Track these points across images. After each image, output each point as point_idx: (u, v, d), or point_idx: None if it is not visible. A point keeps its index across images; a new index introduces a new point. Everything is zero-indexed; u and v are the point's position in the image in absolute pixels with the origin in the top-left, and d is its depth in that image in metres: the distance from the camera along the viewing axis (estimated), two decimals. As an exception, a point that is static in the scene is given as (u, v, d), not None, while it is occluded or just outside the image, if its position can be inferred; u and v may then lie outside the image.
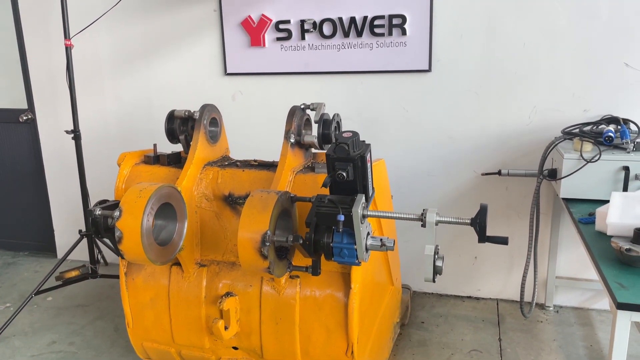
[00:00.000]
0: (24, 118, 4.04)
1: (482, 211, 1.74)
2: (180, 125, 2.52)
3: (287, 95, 3.51)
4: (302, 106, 2.41)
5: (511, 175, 3.17)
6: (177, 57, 3.67)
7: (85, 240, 3.48)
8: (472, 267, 3.50)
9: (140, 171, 2.51)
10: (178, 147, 2.84)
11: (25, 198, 4.34)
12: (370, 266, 2.40)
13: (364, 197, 1.88)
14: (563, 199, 2.68)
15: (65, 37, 3.16)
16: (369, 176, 1.93)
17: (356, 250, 1.91)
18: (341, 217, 1.83)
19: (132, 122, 3.90)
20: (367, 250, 1.94)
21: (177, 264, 2.44)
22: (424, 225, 1.79)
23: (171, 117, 2.51)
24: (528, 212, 3.24)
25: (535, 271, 3.16)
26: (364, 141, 1.94)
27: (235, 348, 2.43)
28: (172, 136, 2.53)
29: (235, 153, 2.82)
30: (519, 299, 3.37)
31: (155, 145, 2.57)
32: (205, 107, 2.47)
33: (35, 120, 4.08)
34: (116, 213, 2.07)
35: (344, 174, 1.83)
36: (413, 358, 2.89)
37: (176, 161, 2.55)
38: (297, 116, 2.36)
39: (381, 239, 1.91)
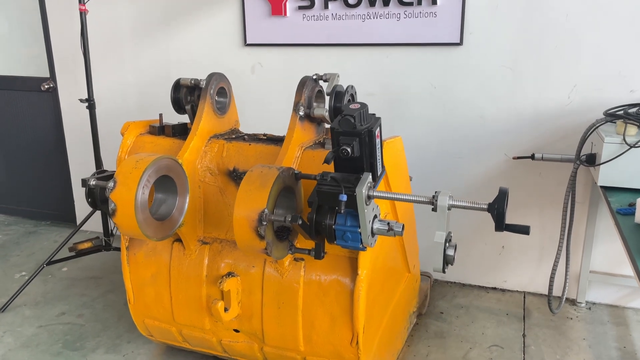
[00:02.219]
0: (46, 87, 4.00)
1: (501, 196, 1.55)
2: (186, 95, 2.38)
3: (308, 68, 3.33)
4: (315, 77, 2.23)
5: (545, 160, 2.93)
6: (197, 27, 3.53)
7: (99, 211, 3.43)
8: (498, 256, 3.29)
9: (144, 142, 2.40)
10: (186, 119, 2.71)
11: (47, 167, 4.32)
12: (382, 251, 2.23)
13: (370, 176, 1.70)
14: (601, 187, 2.44)
15: (80, 2, 3.06)
16: (378, 153, 1.75)
17: (360, 234, 1.74)
18: (343, 197, 1.66)
19: (151, 93, 3.80)
20: (373, 234, 1.77)
21: (180, 240, 2.32)
22: (434, 210, 1.61)
23: (177, 85, 2.37)
24: (563, 201, 2.99)
25: (567, 264, 2.93)
26: (373, 114, 1.76)
27: (236, 331, 2.31)
28: (178, 106, 2.41)
29: (253, 127, 2.69)
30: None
31: (160, 115, 2.45)
32: (212, 76, 2.33)
33: (56, 89, 4.03)
34: (110, 184, 1.96)
35: (349, 149, 1.66)
36: (428, 350, 2.72)
37: (182, 132, 2.42)
38: (308, 87, 2.19)
39: (389, 223, 1.74)
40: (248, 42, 3.41)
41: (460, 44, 3.00)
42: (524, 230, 1.59)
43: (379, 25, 3.10)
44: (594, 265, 3.08)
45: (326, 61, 3.29)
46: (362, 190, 1.65)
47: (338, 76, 2.19)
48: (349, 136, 1.67)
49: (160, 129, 2.41)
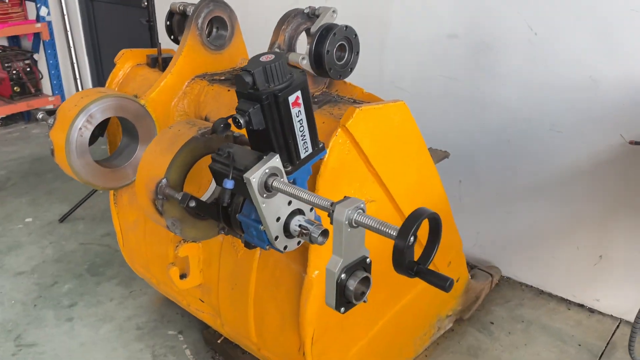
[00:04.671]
0: (145, 4, 3.94)
1: (410, 221, 0.96)
2: (180, 23, 2.04)
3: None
4: (307, 10, 1.71)
5: (676, 152, 2.04)
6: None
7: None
8: (593, 267, 2.49)
9: (137, 74, 2.14)
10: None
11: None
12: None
13: (277, 159, 1.22)
14: None
15: None
16: (299, 127, 1.25)
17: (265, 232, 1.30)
18: (228, 184, 1.22)
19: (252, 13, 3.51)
20: (291, 235, 1.31)
21: (157, 189, 2.07)
22: (332, 223, 1.09)
23: (170, 12, 2.04)
24: (692, 213, 2.09)
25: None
26: (301, 71, 1.24)
27: (202, 300, 2.05)
28: (173, 35, 2.08)
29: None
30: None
31: (159, 45, 2.15)
32: (202, 2, 1.93)
33: (153, 5, 3.96)
34: (50, 121, 1.76)
35: (241, 120, 1.19)
36: (447, 368, 2.19)
37: (176, 67, 2.10)
38: (291, 24, 1.69)
39: (300, 225, 1.26)
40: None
41: (576, -26, 2.15)
42: (438, 283, 1.00)
43: (469, -56, 2.36)
44: None
45: (404, -11, 2.66)
46: (253, 178, 1.18)
47: (333, 11, 1.65)
48: (248, 100, 1.19)
49: (154, 61, 2.13)
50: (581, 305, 2.56)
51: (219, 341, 2.24)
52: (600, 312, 2.51)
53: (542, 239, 2.60)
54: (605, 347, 2.31)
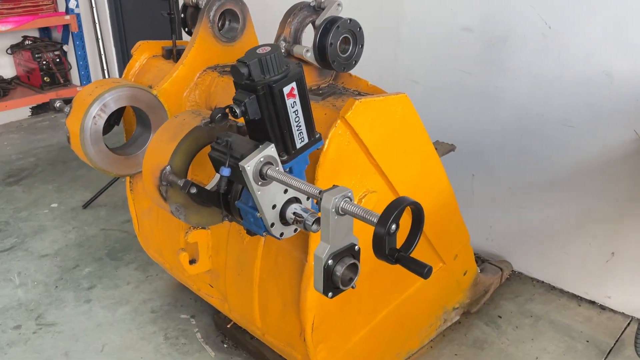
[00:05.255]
0: (168, -5, 4.02)
1: (391, 208, 0.99)
2: (193, 16, 2.10)
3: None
4: (313, 3, 1.75)
5: (690, 149, 2.01)
6: None
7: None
8: (605, 264, 2.47)
9: (152, 65, 2.20)
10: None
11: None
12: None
13: (272, 148, 1.26)
14: None
15: None
16: (294, 118, 1.28)
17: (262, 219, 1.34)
18: (225, 172, 1.27)
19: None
20: (287, 223, 1.35)
21: (170, 177, 2.14)
22: (320, 210, 1.13)
23: (183, 5, 2.09)
24: None
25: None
26: (297, 63, 1.28)
27: (211, 286, 2.11)
28: (187, 28, 2.14)
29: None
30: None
31: (174, 37, 2.21)
32: (215, -6, 1.98)
33: (177, -1, 4.04)
34: (66, 109, 1.84)
35: (237, 110, 1.23)
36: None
37: (189, 58, 2.16)
38: (297, 17, 1.73)
39: (295, 213, 1.30)
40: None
41: (591, -34, 2.13)
42: (418, 270, 1.03)
43: (484, -63, 2.35)
44: None
45: (420, -18, 2.66)
46: (248, 166, 1.23)
47: (339, 4, 1.68)
48: (244, 91, 1.24)
49: (169, 53, 2.19)
50: (592, 302, 2.54)
51: (228, 326, 2.30)
52: (611, 310, 2.49)
53: (554, 235, 2.59)
54: (614, 344, 2.29)
